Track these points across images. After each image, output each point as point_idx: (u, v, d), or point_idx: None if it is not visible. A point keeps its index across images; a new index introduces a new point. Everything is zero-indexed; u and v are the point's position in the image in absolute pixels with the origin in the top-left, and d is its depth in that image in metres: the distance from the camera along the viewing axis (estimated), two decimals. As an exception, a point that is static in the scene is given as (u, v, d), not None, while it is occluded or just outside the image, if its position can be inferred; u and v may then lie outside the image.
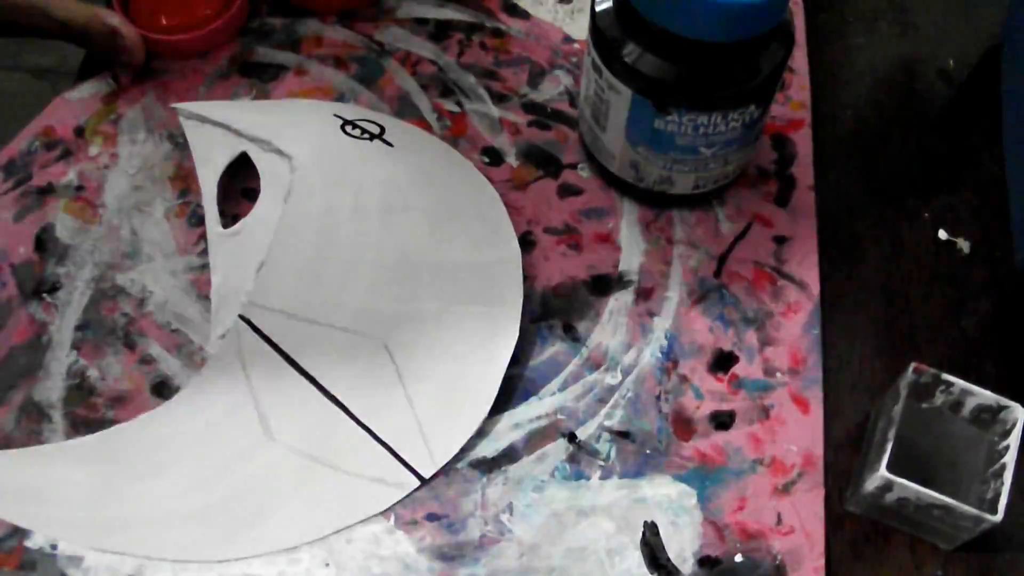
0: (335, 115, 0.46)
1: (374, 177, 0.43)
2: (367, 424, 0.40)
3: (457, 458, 0.40)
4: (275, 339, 0.39)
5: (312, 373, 0.40)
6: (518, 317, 0.43)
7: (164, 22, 0.51)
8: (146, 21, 0.51)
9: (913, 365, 0.38)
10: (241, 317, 0.39)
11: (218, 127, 0.46)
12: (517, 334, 0.42)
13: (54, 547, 0.38)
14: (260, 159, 0.44)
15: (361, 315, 0.40)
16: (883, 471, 0.36)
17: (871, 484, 0.37)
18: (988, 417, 0.39)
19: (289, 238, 0.40)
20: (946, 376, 0.38)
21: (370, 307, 0.40)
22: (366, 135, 0.45)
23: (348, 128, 0.45)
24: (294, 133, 0.44)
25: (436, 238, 0.43)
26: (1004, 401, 0.38)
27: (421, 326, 0.41)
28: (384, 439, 0.40)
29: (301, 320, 0.40)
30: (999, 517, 0.36)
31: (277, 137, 0.44)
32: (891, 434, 0.37)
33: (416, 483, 0.40)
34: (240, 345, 0.39)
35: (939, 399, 0.39)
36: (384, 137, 0.46)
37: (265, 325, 0.39)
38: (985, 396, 0.38)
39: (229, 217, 0.45)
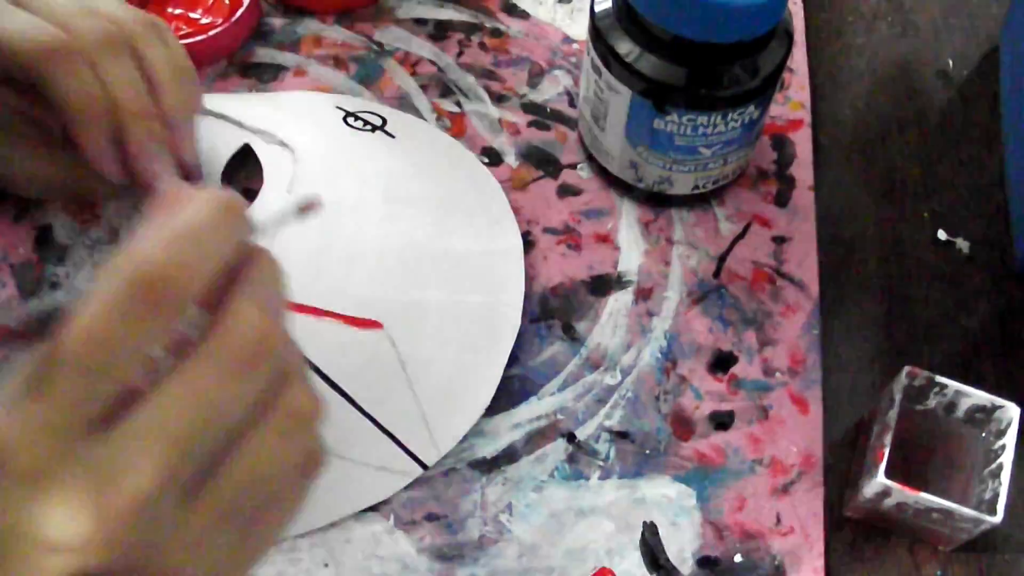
0: (337, 107, 0.46)
1: (376, 168, 0.43)
2: (370, 412, 0.40)
3: (457, 458, 0.40)
4: None
5: (315, 362, 0.39)
6: (520, 305, 0.43)
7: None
8: None
9: (907, 369, 0.38)
10: None
11: (221, 119, 0.46)
12: (519, 322, 0.42)
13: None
14: (263, 151, 0.44)
15: (364, 304, 0.40)
16: (881, 477, 0.36)
17: (869, 490, 0.37)
18: (983, 417, 0.39)
19: (292, 229, 0.40)
20: (939, 378, 0.38)
21: (373, 296, 0.41)
22: (368, 127, 0.45)
23: (350, 120, 0.45)
24: (296, 125, 0.44)
25: (438, 228, 0.43)
26: (998, 401, 0.38)
27: (424, 315, 0.41)
28: (387, 427, 0.40)
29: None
30: (999, 518, 0.36)
31: (280, 129, 0.44)
32: (887, 439, 0.37)
33: (420, 471, 0.40)
34: None
35: (933, 401, 0.39)
36: (386, 129, 0.46)
37: None
38: (979, 396, 0.38)
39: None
